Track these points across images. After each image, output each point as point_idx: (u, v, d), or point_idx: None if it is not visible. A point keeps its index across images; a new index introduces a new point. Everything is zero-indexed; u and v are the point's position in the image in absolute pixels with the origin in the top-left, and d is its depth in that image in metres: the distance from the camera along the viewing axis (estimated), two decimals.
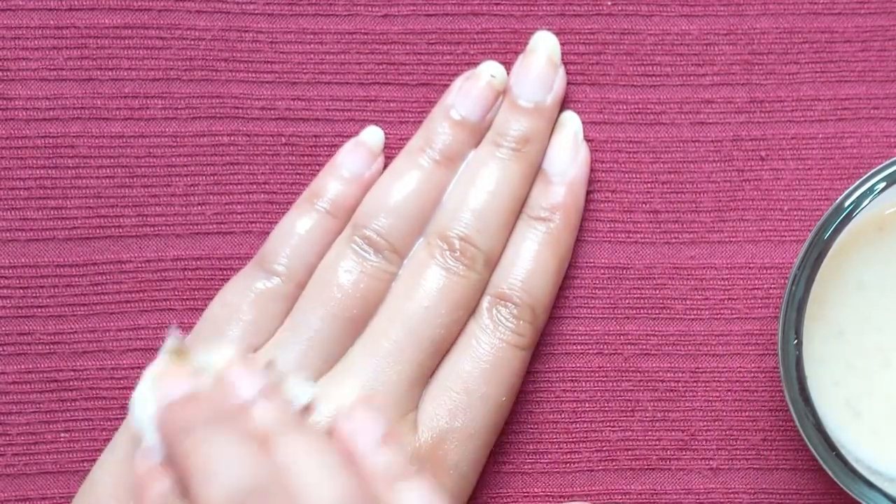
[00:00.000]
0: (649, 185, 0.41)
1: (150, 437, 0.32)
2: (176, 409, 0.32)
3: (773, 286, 0.40)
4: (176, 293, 0.40)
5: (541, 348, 0.40)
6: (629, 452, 0.40)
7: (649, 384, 0.40)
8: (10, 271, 0.40)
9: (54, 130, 0.40)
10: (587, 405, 0.40)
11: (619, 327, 0.41)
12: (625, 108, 0.41)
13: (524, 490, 0.40)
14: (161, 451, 0.32)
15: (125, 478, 0.36)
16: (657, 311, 0.41)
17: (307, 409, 0.35)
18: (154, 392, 0.33)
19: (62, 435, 0.40)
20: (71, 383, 0.40)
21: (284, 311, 0.38)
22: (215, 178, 0.40)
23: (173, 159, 0.40)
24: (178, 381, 0.33)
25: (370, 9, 0.40)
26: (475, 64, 0.40)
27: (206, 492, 0.29)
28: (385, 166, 0.40)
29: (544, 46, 0.40)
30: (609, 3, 0.40)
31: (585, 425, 0.40)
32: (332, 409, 0.36)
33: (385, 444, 0.32)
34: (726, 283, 0.40)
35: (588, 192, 0.40)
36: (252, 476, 0.29)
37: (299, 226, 0.38)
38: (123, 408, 0.40)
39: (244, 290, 0.38)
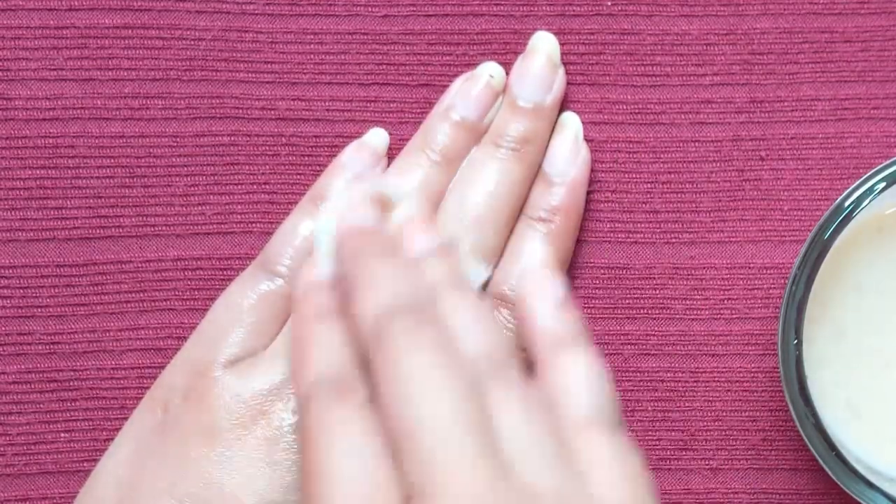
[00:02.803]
0: (649, 185, 0.41)
1: (324, 253, 0.33)
2: (354, 236, 0.32)
3: (773, 286, 0.41)
4: (176, 293, 0.40)
5: None
6: None
7: (649, 384, 0.41)
8: (10, 271, 0.40)
9: (54, 130, 0.40)
10: None
11: (619, 327, 0.41)
12: (625, 108, 0.41)
13: None
14: (331, 269, 0.32)
15: (127, 478, 0.37)
16: (657, 311, 0.41)
17: (482, 291, 0.35)
18: (338, 215, 0.33)
19: (62, 435, 0.40)
20: (71, 383, 0.40)
21: (288, 311, 0.38)
22: (215, 178, 0.40)
23: (173, 159, 0.40)
24: (365, 214, 0.33)
25: (370, 9, 0.40)
26: (475, 65, 0.40)
27: (362, 302, 0.30)
28: (386, 167, 0.40)
29: (544, 47, 0.40)
30: (609, 3, 0.40)
31: None
32: None
33: (561, 309, 0.32)
34: (726, 283, 0.41)
35: (588, 193, 0.40)
36: (407, 296, 0.29)
37: (302, 227, 0.38)
38: (124, 408, 0.40)
39: (247, 292, 0.38)
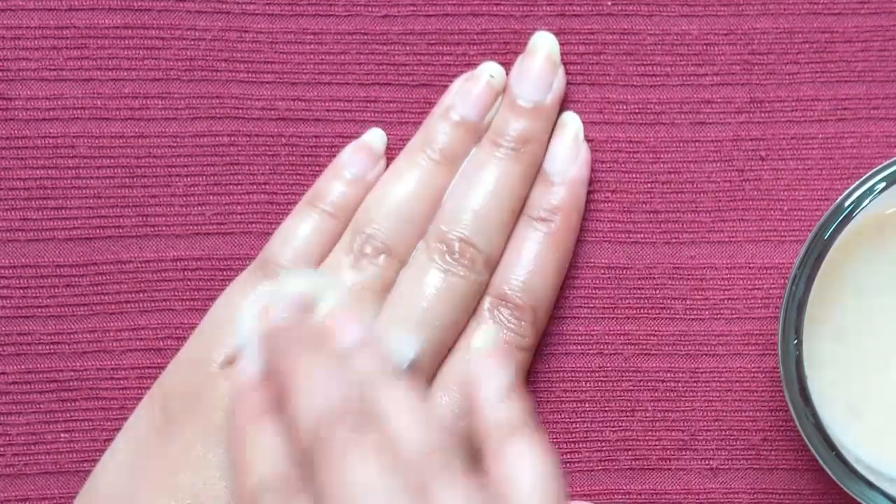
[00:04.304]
0: (649, 185, 0.41)
1: (251, 352, 0.33)
2: (283, 331, 0.33)
3: (773, 286, 0.40)
4: (176, 293, 0.40)
5: (541, 348, 0.40)
6: (629, 452, 0.40)
7: (649, 384, 0.41)
8: (10, 271, 0.40)
9: (54, 130, 0.40)
10: (587, 405, 0.40)
11: (619, 327, 0.41)
12: (625, 108, 0.41)
13: None
14: (261, 366, 0.33)
15: (126, 479, 0.37)
16: (657, 311, 0.41)
17: (413, 364, 0.35)
18: (263, 311, 0.34)
19: (62, 435, 0.40)
20: (71, 384, 0.40)
21: None
22: (215, 178, 0.40)
23: (173, 160, 0.40)
24: (287, 312, 0.34)
25: (370, 9, 0.40)
26: (475, 65, 0.40)
27: (298, 406, 0.30)
28: (385, 167, 0.40)
29: (543, 46, 0.40)
30: (609, 3, 0.40)
31: (585, 425, 0.41)
32: None
33: (508, 395, 0.32)
34: (726, 283, 0.40)
35: (588, 192, 0.40)
36: (346, 399, 0.30)
37: (302, 228, 0.39)
38: (123, 408, 0.40)
39: (247, 293, 0.38)
